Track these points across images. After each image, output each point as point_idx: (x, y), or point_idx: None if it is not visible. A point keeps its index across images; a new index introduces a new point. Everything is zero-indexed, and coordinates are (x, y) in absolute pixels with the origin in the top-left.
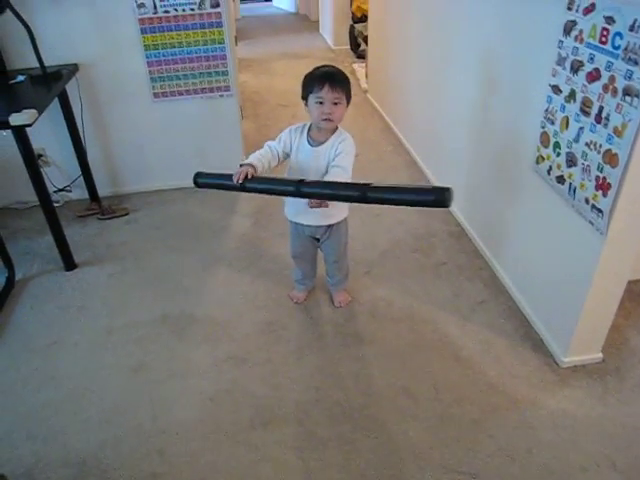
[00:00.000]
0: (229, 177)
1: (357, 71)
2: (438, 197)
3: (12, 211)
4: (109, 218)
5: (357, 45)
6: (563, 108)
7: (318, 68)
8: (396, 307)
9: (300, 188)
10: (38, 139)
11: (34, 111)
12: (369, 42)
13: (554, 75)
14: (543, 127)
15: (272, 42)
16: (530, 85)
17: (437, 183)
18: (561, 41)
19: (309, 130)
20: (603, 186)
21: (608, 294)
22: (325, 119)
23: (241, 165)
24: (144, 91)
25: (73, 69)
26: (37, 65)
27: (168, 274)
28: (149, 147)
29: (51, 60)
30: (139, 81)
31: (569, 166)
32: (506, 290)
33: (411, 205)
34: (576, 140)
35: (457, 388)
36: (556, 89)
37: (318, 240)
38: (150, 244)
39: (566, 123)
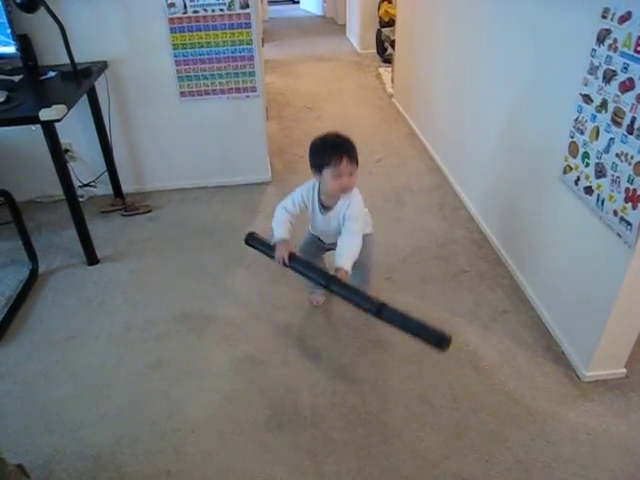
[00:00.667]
0: (273, 249)
1: (383, 75)
2: (438, 342)
3: (38, 204)
4: (132, 215)
5: (384, 49)
6: (594, 118)
7: (327, 138)
8: (416, 313)
9: (330, 285)
10: (66, 134)
11: (63, 107)
12: (396, 47)
13: (585, 84)
14: (572, 137)
15: (298, 44)
16: (560, 94)
17: (461, 190)
18: (594, 50)
19: (319, 193)
20: (633, 198)
21: (634, 308)
22: (342, 191)
23: (275, 243)
24: (171, 90)
25: (102, 66)
26: (68, 61)
27: (189, 272)
28: (174, 146)
29: (81, 57)
30: (166, 80)
31: (598, 177)
32: (528, 300)
33: (413, 337)
34: (606, 151)
35: (475, 397)
36: (587, 98)
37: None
38: (172, 242)
39: (596, 133)
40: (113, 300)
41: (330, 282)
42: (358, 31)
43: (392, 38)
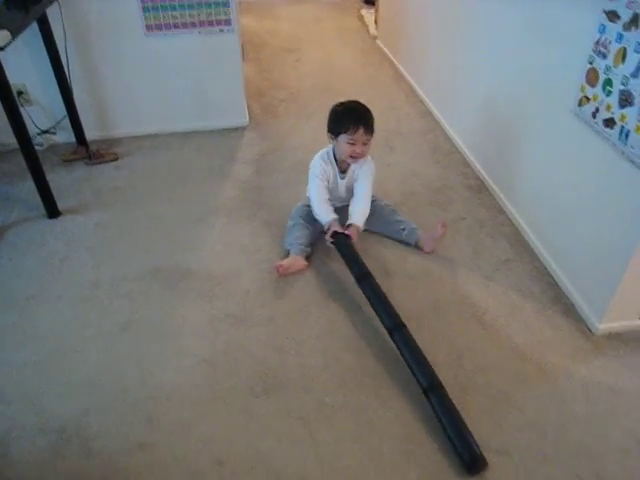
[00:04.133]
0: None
1: (365, 17)
2: (469, 460)
3: None
4: (97, 163)
5: None
6: (620, 38)
7: (347, 107)
8: (411, 263)
9: (361, 280)
10: (18, 74)
11: (6, 32)
12: None
13: None
14: (591, 62)
15: None
16: (575, 13)
17: (454, 134)
18: None
19: (335, 159)
20: None
21: None
22: (354, 157)
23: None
24: (136, 23)
25: None
26: None
27: (161, 224)
28: (141, 87)
29: None
30: (130, 11)
31: (622, 106)
32: (532, 249)
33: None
34: (634, 75)
35: (481, 354)
36: (612, 15)
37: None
38: (141, 191)
39: (622, 55)
40: (77, 256)
41: (362, 278)
42: None
43: None
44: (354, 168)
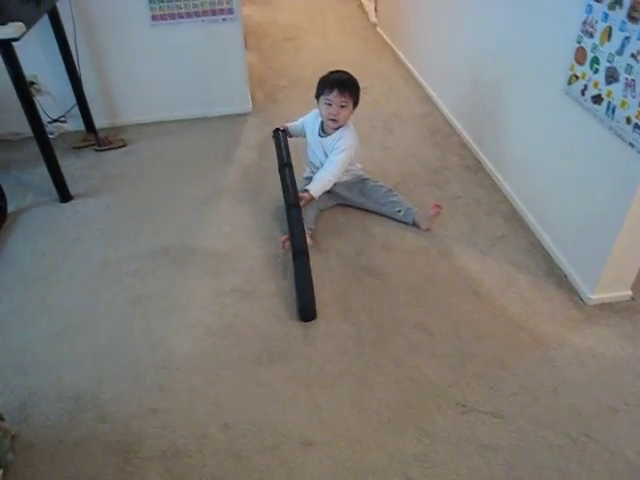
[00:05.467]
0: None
1: (365, 5)
2: (302, 309)
3: (5, 143)
4: (106, 149)
5: None
6: (605, 17)
7: (333, 73)
8: (409, 240)
9: (290, 208)
10: (30, 65)
11: (21, 24)
12: None
13: None
14: (579, 42)
15: None
16: None
17: (452, 117)
18: None
19: (321, 119)
20: None
21: None
22: (331, 119)
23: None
24: (142, 13)
25: None
26: None
27: (168, 206)
28: (148, 75)
29: None
30: (137, 2)
31: (609, 83)
32: (527, 224)
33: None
34: (619, 52)
35: (476, 324)
36: None
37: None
38: (149, 176)
39: (608, 34)
40: (88, 237)
41: (291, 206)
42: None
43: None
44: (335, 137)
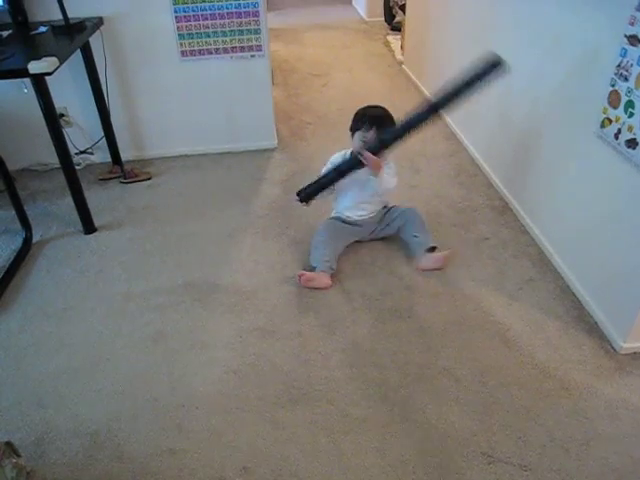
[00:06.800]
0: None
1: (392, 43)
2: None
3: (32, 173)
4: (131, 182)
5: (392, 16)
6: None
7: (370, 107)
8: (435, 282)
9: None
10: (60, 98)
11: (55, 59)
12: (407, 10)
13: (632, 23)
14: (613, 85)
15: (302, 13)
16: (598, 38)
17: (478, 156)
18: None
19: None
20: None
21: None
22: None
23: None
24: (171, 49)
25: (97, 22)
26: (60, 17)
27: (191, 240)
28: (175, 110)
29: (75, 12)
30: (166, 38)
31: None
32: (555, 268)
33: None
34: None
35: (503, 371)
36: (634, 39)
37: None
38: (173, 209)
39: None
40: (111, 270)
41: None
42: None
43: (401, 3)
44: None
